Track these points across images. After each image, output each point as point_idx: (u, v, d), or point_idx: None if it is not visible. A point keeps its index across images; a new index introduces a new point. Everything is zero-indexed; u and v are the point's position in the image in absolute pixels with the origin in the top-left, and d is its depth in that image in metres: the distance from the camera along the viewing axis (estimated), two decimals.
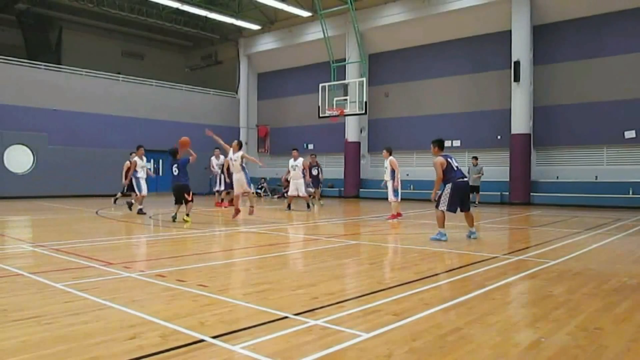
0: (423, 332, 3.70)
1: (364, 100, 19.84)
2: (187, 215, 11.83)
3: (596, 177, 19.19)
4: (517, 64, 19.59)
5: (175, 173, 12.03)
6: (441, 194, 8.92)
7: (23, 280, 5.44)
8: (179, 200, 12.02)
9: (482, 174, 18.38)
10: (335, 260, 7.09)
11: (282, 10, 24.32)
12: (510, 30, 20.11)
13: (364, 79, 20.23)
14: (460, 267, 6.43)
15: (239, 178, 12.12)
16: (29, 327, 3.77)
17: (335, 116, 20.50)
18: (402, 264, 6.63)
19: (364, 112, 20.30)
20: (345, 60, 23.14)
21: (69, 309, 4.28)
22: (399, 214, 13.10)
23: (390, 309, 4.33)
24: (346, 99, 20.38)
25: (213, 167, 17.53)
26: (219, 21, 25.98)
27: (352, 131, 24.77)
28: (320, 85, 20.94)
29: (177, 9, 24.37)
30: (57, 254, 7.13)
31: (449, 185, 8.80)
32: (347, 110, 20.25)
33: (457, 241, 9.45)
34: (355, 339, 3.50)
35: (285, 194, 19.75)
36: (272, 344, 3.40)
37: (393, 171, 12.83)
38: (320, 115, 20.75)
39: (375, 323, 3.89)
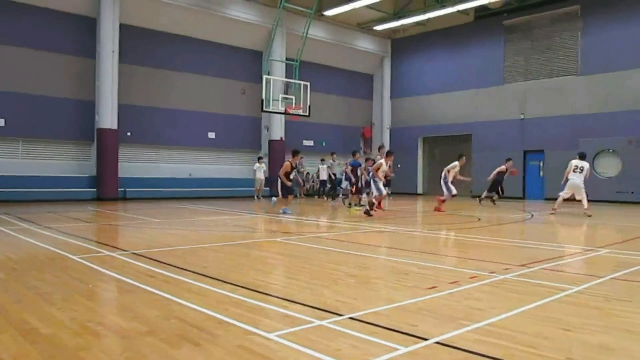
0: None
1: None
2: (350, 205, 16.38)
3: (190, 174, 22.58)
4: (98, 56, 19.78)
5: None
6: None
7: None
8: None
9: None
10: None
11: None
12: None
13: (308, 84, 21.11)
14: None
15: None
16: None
17: (297, 115, 21.30)
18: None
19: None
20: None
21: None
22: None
23: None
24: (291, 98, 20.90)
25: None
26: None
27: None
28: (265, 77, 20.72)
29: None
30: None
31: None
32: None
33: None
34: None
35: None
36: None
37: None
38: (264, 109, 20.78)
39: None
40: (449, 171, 15.38)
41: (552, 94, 23.29)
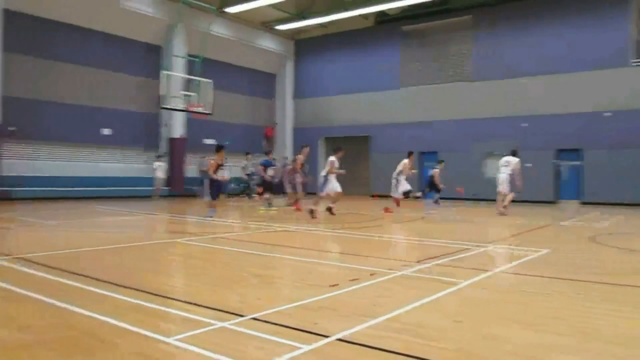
0: None
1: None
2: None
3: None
4: None
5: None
6: None
7: None
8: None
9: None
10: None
11: None
12: None
13: (211, 81, 20.77)
14: None
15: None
16: None
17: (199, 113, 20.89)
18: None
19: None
20: None
21: None
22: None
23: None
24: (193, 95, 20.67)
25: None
26: None
27: None
28: (165, 72, 20.27)
29: None
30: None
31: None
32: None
33: None
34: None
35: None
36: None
37: None
38: (163, 106, 20.31)
39: None
40: (400, 172, 15.61)
41: (446, 99, 24.58)
